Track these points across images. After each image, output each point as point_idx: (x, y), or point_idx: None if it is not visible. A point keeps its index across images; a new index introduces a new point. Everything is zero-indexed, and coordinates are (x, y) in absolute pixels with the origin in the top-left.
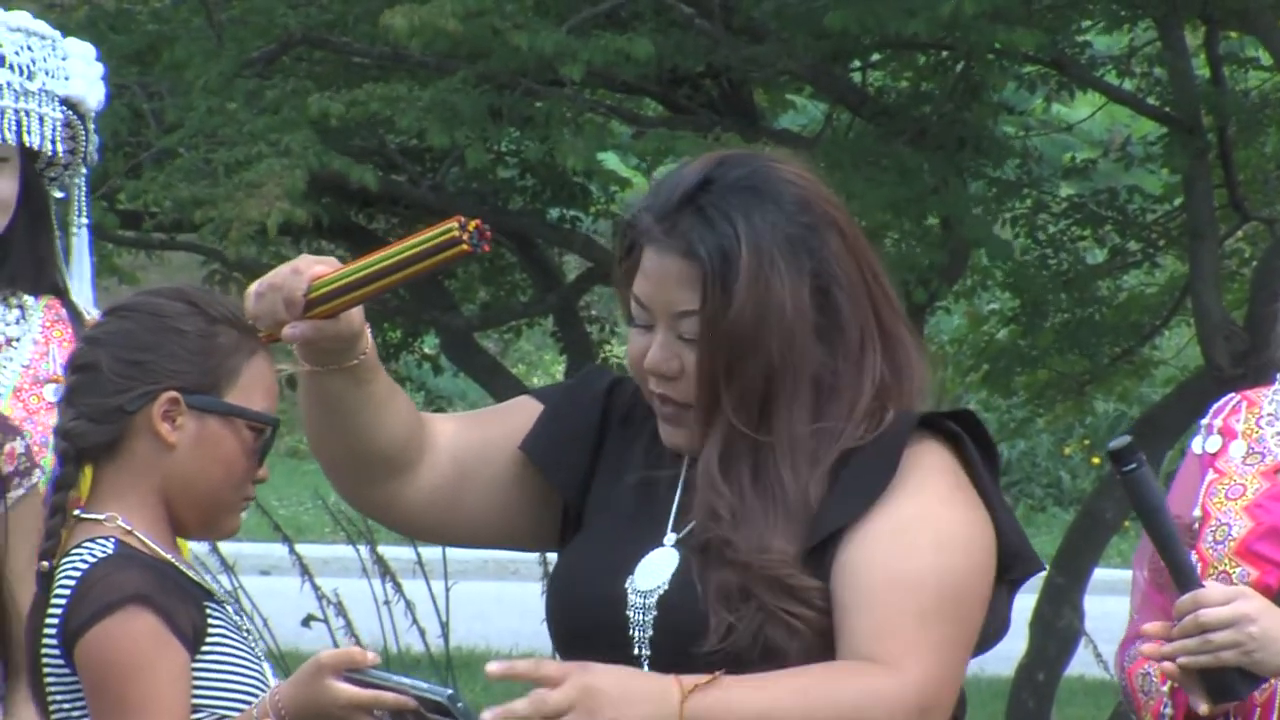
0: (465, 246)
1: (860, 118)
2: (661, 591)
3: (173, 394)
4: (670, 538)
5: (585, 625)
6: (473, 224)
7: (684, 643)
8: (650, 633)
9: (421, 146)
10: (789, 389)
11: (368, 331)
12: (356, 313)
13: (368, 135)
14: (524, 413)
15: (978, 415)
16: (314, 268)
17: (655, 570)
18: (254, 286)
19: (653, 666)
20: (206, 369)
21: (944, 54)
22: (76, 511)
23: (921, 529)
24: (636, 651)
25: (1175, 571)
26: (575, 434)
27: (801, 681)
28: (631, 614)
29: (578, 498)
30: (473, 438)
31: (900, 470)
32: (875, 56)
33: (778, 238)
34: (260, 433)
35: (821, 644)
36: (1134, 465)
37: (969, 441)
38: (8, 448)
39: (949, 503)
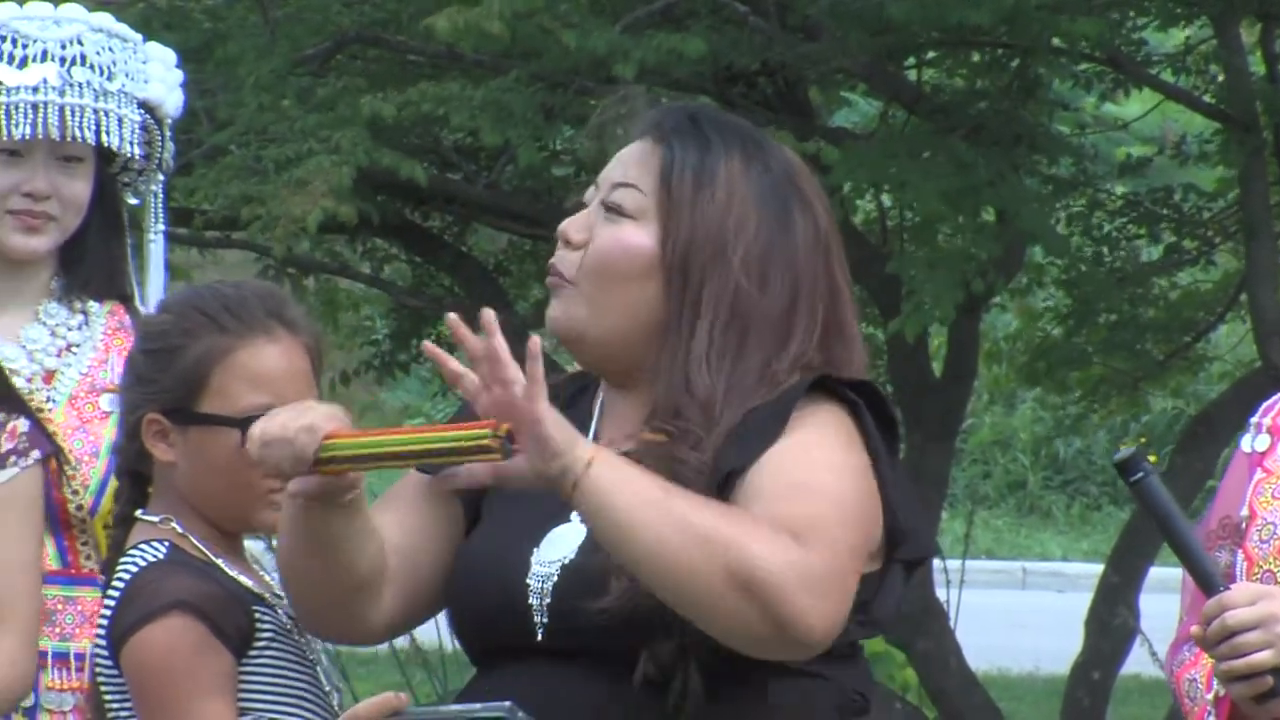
0: (497, 456)
1: (915, 115)
2: (565, 561)
3: (152, 415)
4: (577, 514)
5: (486, 600)
6: (504, 428)
7: (581, 601)
8: (549, 599)
9: (476, 144)
10: (735, 313)
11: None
12: None
13: (422, 133)
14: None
15: (876, 386)
16: (328, 425)
17: (561, 542)
18: (258, 430)
19: (548, 633)
20: (177, 383)
21: (999, 51)
22: (138, 512)
23: (818, 451)
24: (536, 619)
25: (1195, 575)
26: None
27: (710, 507)
28: (532, 581)
29: (474, 498)
30: (397, 519)
31: (794, 418)
32: (930, 54)
33: (757, 178)
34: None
35: None
36: (1140, 474)
37: (866, 413)
38: (10, 425)
39: (844, 448)
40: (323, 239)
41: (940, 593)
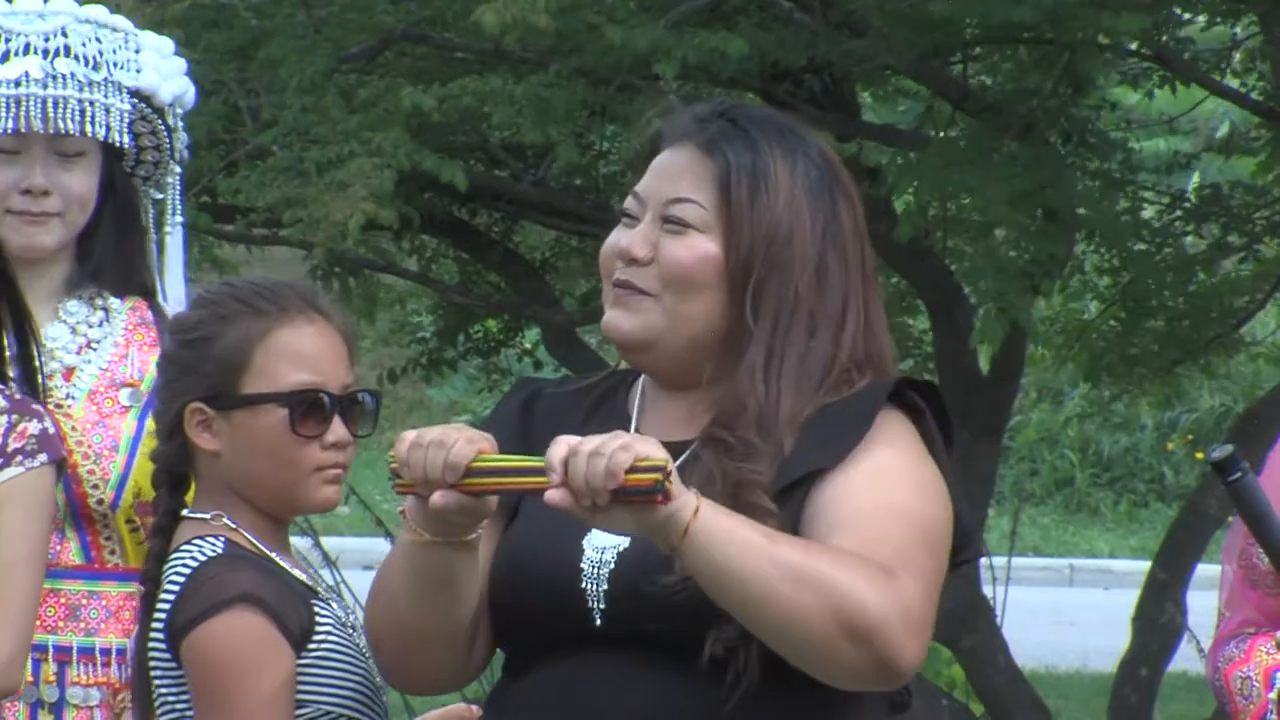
0: (659, 498)
1: (963, 112)
2: (621, 548)
3: (194, 405)
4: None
5: (537, 590)
6: (668, 479)
7: (642, 587)
8: (605, 586)
9: (523, 141)
10: (799, 310)
11: None
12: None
13: (470, 131)
14: None
15: (937, 388)
16: (483, 443)
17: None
18: (412, 435)
19: (607, 619)
20: (219, 368)
21: (1047, 46)
22: (184, 511)
23: (901, 474)
24: (592, 605)
25: None
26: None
27: (810, 549)
28: (586, 567)
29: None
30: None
31: (874, 427)
32: (977, 50)
33: (804, 171)
34: (298, 404)
35: None
36: (1238, 474)
37: (931, 420)
38: (21, 426)
39: (920, 459)
40: (370, 236)
41: (987, 590)
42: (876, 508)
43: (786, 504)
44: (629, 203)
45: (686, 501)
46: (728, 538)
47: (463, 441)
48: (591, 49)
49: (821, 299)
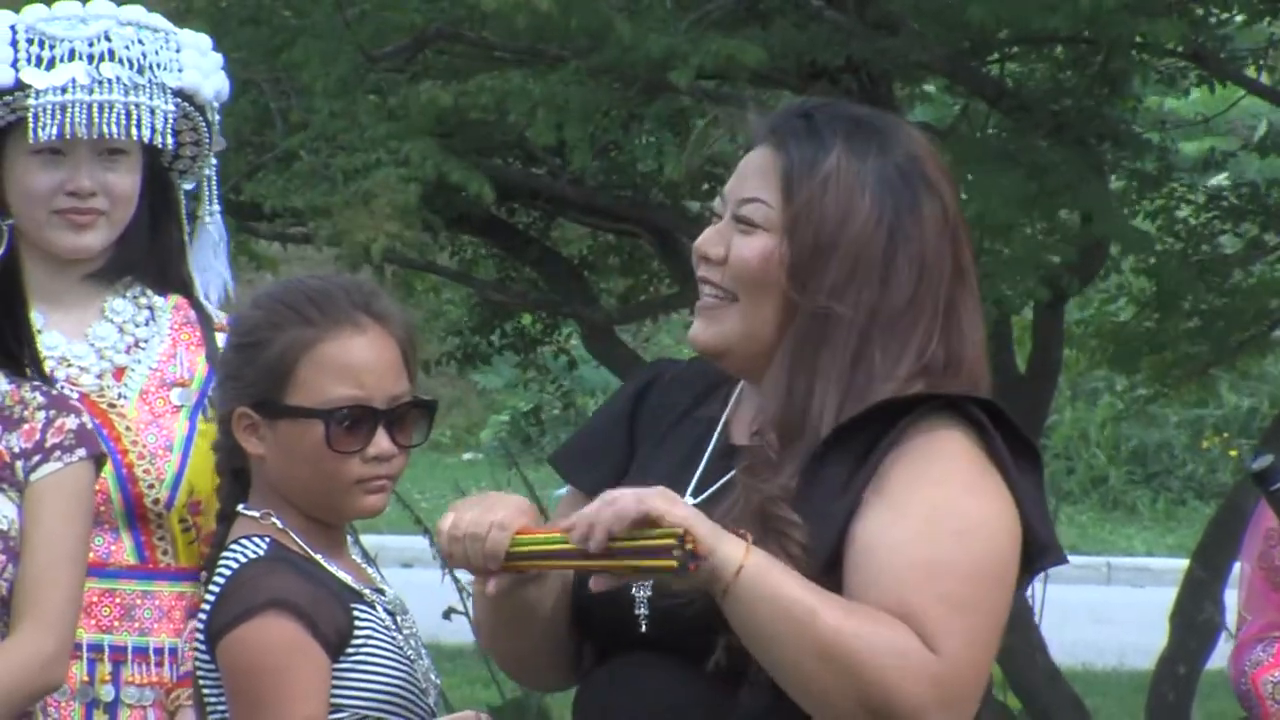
0: (672, 562)
1: (997, 111)
2: None
3: (242, 410)
4: (688, 501)
5: (598, 597)
6: (690, 540)
7: (676, 595)
8: (649, 593)
9: (561, 140)
10: (858, 307)
11: None
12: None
13: (508, 129)
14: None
15: (1002, 406)
16: (519, 521)
17: None
18: (447, 525)
19: (651, 625)
20: (264, 376)
21: (1083, 46)
22: (240, 506)
23: (947, 517)
24: (638, 612)
25: None
26: (605, 440)
27: (844, 605)
28: None
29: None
30: None
31: (908, 447)
32: (1014, 50)
33: (873, 167)
34: (337, 420)
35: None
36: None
37: (994, 433)
38: (59, 422)
39: (973, 490)
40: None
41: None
42: (914, 566)
43: (826, 527)
44: (717, 201)
45: (729, 556)
46: (768, 602)
47: (495, 529)
48: (614, 46)
49: (884, 296)
